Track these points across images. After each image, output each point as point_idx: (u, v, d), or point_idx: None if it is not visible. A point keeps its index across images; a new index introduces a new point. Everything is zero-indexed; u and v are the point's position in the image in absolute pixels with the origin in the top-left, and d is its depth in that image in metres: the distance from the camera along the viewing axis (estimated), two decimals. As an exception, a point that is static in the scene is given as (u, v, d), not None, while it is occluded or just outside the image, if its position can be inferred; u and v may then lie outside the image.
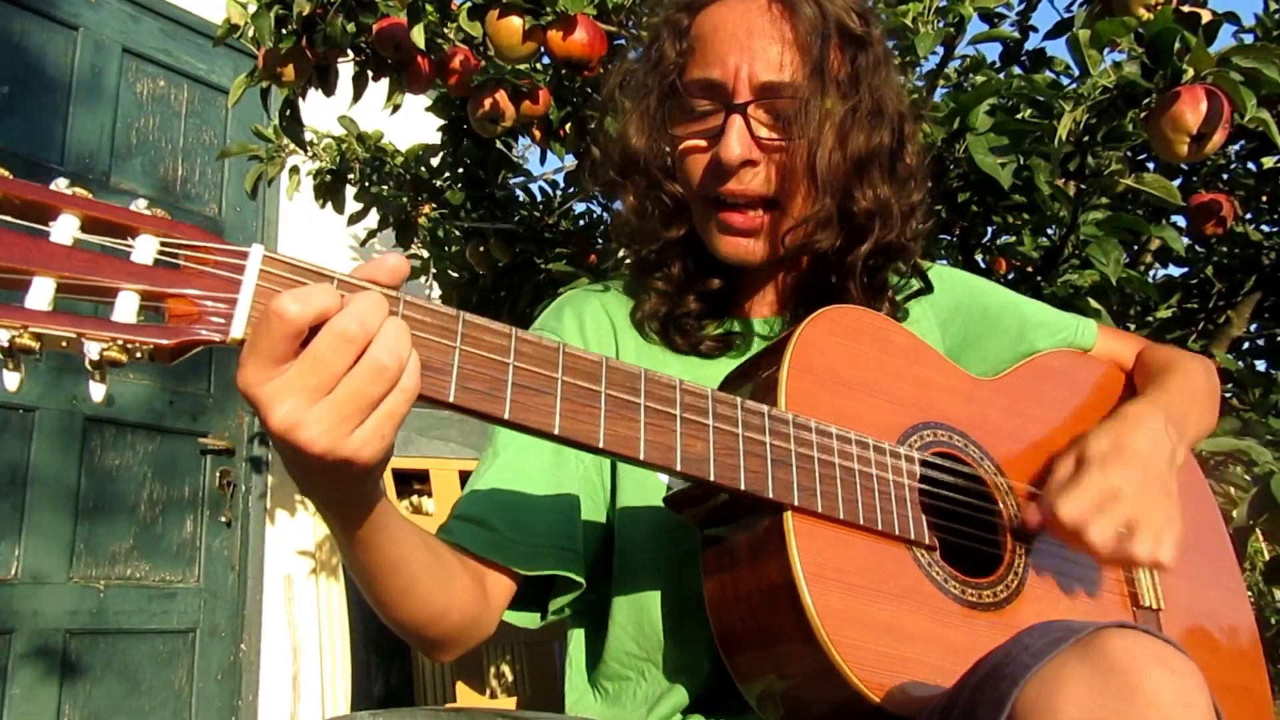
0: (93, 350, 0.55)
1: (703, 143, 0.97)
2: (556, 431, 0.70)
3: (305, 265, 0.62)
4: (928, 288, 1.12)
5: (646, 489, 0.96)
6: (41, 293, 0.54)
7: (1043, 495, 0.89)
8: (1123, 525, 0.84)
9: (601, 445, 0.71)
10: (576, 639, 1.03)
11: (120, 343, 0.55)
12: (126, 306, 0.57)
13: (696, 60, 0.98)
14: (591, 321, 1.05)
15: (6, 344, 0.53)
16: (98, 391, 0.57)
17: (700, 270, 1.04)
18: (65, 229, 0.56)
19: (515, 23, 1.63)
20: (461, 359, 0.66)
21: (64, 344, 0.55)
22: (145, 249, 0.58)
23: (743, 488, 0.77)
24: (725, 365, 0.97)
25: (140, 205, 0.59)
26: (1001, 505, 0.93)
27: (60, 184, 0.57)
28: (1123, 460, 0.88)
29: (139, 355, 0.56)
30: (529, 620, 0.95)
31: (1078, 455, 0.90)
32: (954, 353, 1.03)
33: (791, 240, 0.98)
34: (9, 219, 0.55)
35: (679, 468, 0.75)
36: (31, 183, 0.56)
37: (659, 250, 1.03)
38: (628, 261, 1.12)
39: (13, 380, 0.55)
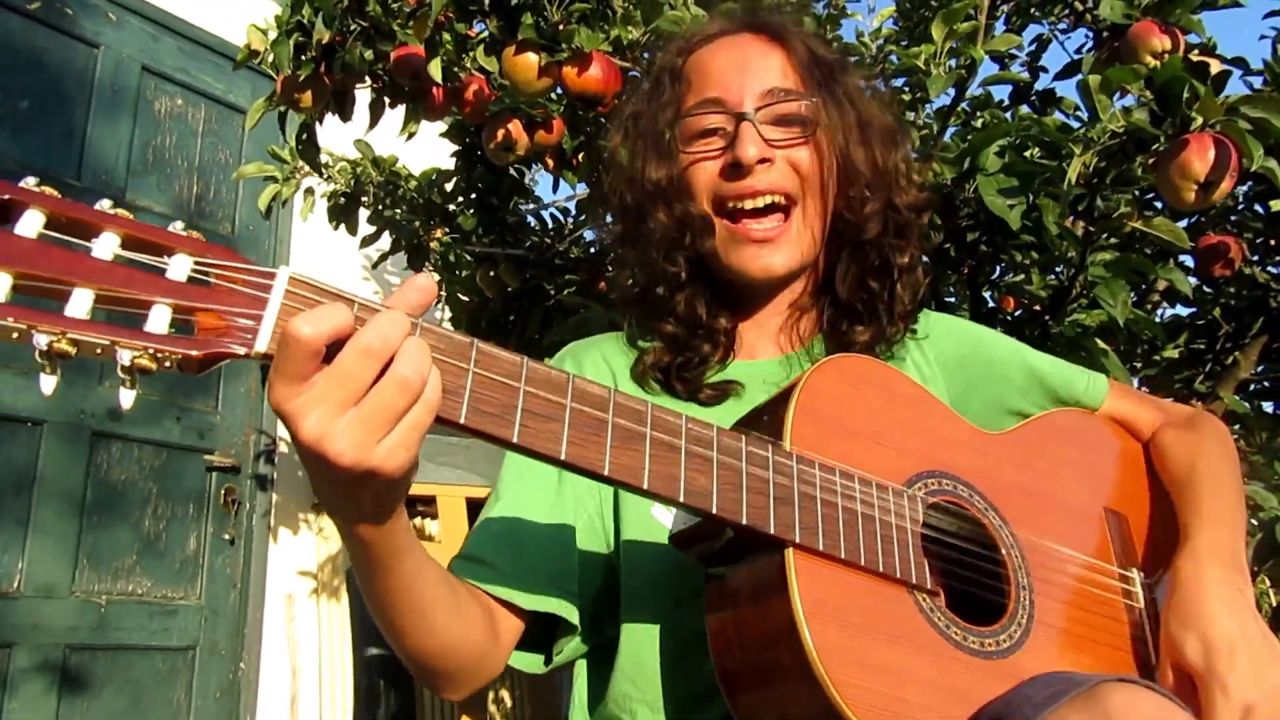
0: (124, 357, 0.58)
1: (713, 152, 1.02)
2: (563, 457, 0.71)
3: (328, 288, 0.65)
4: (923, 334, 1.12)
5: (648, 530, 0.97)
6: (81, 303, 0.58)
7: None
8: None
9: (607, 473, 0.73)
10: (581, 677, 1.04)
11: (151, 351, 0.59)
12: (159, 319, 0.60)
13: (695, 90, 1.05)
14: (591, 369, 1.08)
15: (45, 348, 0.56)
16: (127, 398, 0.60)
17: (712, 306, 1.06)
18: (107, 245, 0.60)
19: (531, 59, 1.65)
20: (474, 382, 0.68)
21: (98, 350, 0.58)
22: (180, 267, 0.62)
23: (744, 522, 0.77)
24: (724, 412, 0.98)
25: (177, 227, 0.64)
26: (1006, 556, 0.93)
27: (104, 204, 0.61)
28: (1230, 659, 0.86)
29: (168, 365, 0.60)
30: (533, 664, 0.96)
31: (1174, 668, 0.87)
32: (958, 404, 1.03)
33: (820, 235, 1.03)
34: (55, 234, 0.59)
35: (682, 499, 0.76)
36: (78, 203, 0.60)
37: (672, 285, 1.05)
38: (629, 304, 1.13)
39: (49, 384, 0.58)
